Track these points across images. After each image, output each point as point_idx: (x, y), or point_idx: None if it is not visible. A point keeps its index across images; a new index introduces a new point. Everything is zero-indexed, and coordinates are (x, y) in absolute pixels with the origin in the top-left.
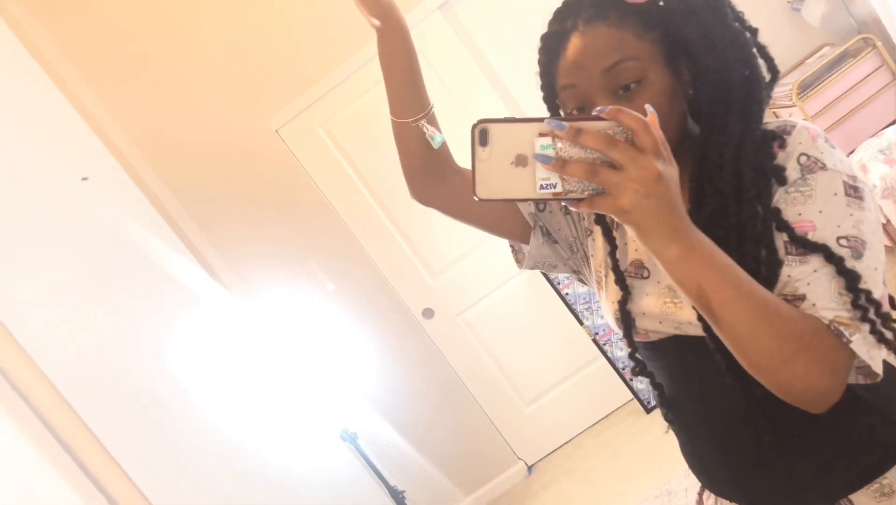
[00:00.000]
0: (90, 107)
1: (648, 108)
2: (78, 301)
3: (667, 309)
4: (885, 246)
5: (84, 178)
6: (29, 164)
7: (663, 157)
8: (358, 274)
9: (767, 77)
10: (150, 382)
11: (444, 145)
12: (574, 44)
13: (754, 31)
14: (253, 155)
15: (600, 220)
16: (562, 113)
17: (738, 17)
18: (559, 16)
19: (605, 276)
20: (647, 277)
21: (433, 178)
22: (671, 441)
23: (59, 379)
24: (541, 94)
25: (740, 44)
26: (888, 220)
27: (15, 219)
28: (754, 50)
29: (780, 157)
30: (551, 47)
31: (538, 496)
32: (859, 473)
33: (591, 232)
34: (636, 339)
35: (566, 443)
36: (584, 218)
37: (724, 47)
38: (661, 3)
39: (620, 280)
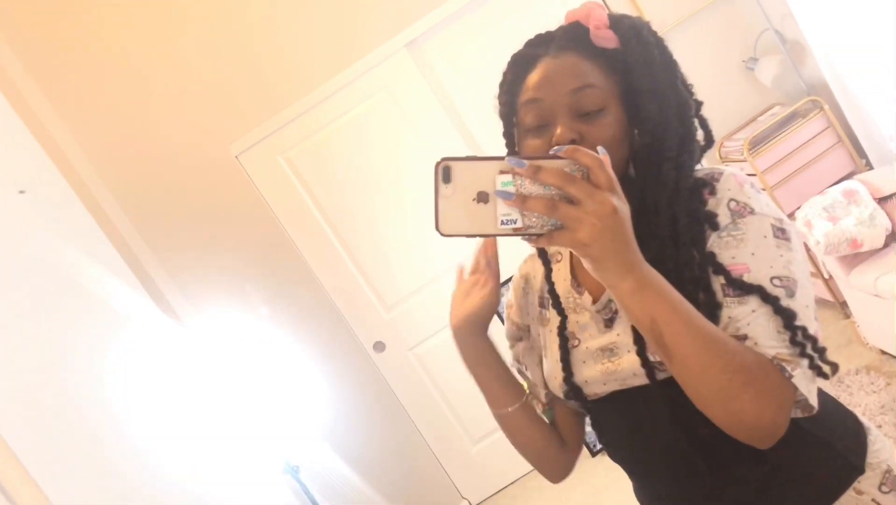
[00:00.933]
0: (42, 117)
1: (601, 149)
2: (5, 321)
3: (606, 369)
4: (827, 301)
5: (21, 192)
6: None
7: (617, 194)
8: (311, 304)
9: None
10: (83, 410)
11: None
12: (546, 63)
13: (699, 104)
14: (211, 179)
15: (541, 254)
16: (515, 133)
17: (687, 86)
18: (530, 44)
19: (548, 348)
20: (577, 346)
21: (566, 453)
22: (617, 485)
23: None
24: (498, 110)
25: (684, 106)
26: (830, 276)
27: None
28: (693, 118)
29: (711, 203)
30: (520, 66)
31: None
32: (810, 502)
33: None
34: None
35: (511, 483)
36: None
37: (668, 104)
38: (624, 55)
39: (562, 340)
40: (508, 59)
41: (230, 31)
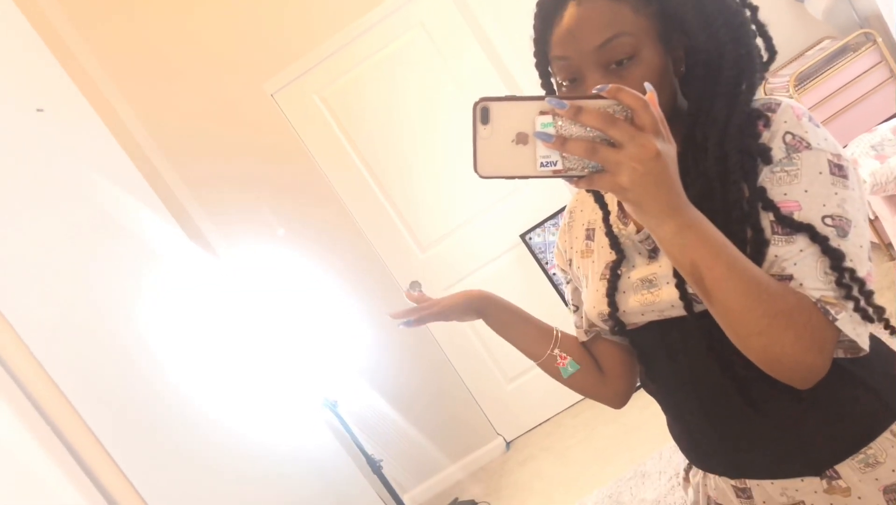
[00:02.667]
0: (71, 45)
1: (648, 86)
2: (39, 251)
3: (646, 300)
4: (873, 243)
5: (39, 110)
6: None
7: (662, 136)
8: (347, 243)
9: (765, 56)
10: (121, 345)
11: (585, 362)
12: (570, 13)
13: (754, 9)
14: (247, 117)
15: (598, 198)
16: (553, 82)
17: None
18: None
19: (589, 278)
20: (620, 277)
21: (606, 386)
22: (648, 424)
23: (26, 333)
24: (534, 60)
25: (737, 22)
26: (876, 216)
27: None
28: (752, 28)
29: (765, 137)
30: (546, 14)
31: (514, 472)
32: (844, 443)
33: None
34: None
35: (545, 421)
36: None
37: (718, 25)
38: None
39: (616, 247)
40: (535, 5)
41: None
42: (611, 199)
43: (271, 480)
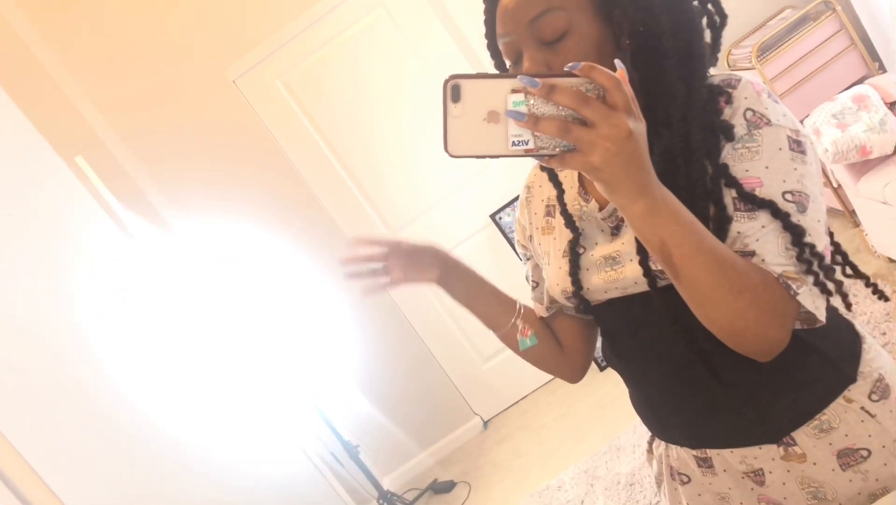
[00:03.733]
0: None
1: (618, 63)
2: None
3: (609, 278)
4: (837, 210)
5: None
6: None
7: (634, 115)
8: (315, 228)
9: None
10: (55, 343)
11: (544, 336)
12: None
13: None
14: (210, 105)
15: (552, 176)
16: (506, 61)
17: None
18: None
19: (550, 255)
20: (582, 254)
21: (565, 360)
22: (622, 399)
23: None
24: (486, 42)
25: None
26: (839, 185)
27: None
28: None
29: (727, 113)
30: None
31: (493, 451)
32: (800, 411)
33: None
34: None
35: (521, 399)
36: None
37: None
38: None
39: (572, 225)
40: None
41: None
42: (565, 177)
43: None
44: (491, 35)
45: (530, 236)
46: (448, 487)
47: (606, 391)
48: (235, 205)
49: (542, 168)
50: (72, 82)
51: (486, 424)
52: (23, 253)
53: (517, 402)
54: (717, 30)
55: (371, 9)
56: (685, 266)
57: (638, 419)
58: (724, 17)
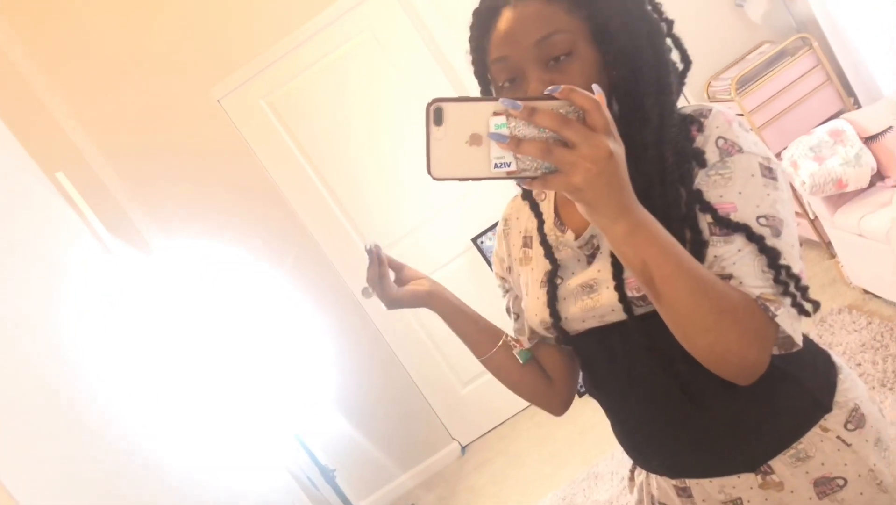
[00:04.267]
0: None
1: (596, 87)
2: None
3: (586, 306)
4: (813, 241)
5: None
6: None
7: (613, 136)
8: (297, 249)
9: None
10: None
11: (531, 358)
12: (506, 17)
13: (670, 23)
14: (194, 123)
15: (527, 195)
16: (492, 88)
17: (656, 7)
18: None
19: (529, 286)
20: (560, 284)
21: (553, 391)
22: (601, 425)
23: None
24: (472, 69)
25: (653, 31)
26: (816, 216)
27: None
28: (668, 41)
29: (699, 141)
30: (483, 21)
31: (471, 477)
32: (777, 439)
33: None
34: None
35: (500, 424)
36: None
37: (637, 32)
38: None
39: (550, 257)
40: (471, 15)
41: None
42: (545, 208)
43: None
44: (480, 62)
45: (508, 267)
46: None
47: (586, 417)
48: (217, 224)
49: (524, 196)
50: (54, 97)
51: (464, 449)
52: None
53: (496, 427)
54: (682, 73)
55: (357, 32)
56: (667, 287)
57: (617, 446)
58: (688, 62)
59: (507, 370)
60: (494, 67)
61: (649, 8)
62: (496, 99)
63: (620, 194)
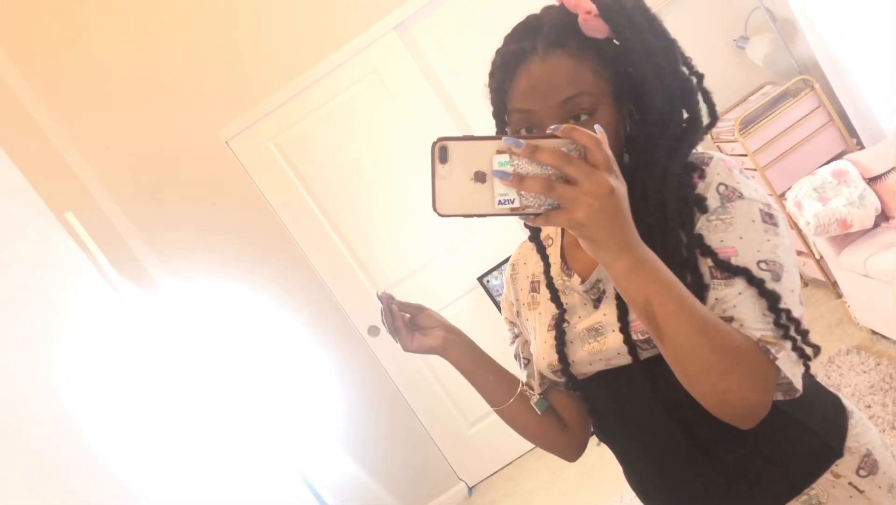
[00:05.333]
0: (21, 96)
1: (598, 127)
2: None
3: (593, 350)
4: (820, 281)
5: None
6: None
7: (615, 173)
8: (305, 289)
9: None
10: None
11: (548, 407)
12: (533, 70)
13: (700, 77)
14: (202, 163)
15: (534, 236)
16: (509, 132)
17: (687, 62)
18: (517, 34)
19: (537, 330)
20: (566, 327)
21: (568, 436)
22: (609, 467)
23: None
24: (490, 108)
25: (687, 89)
26: (821, 256)
27: None
28: (698, 99)
29: (701, 187)
30: (507, 65)
31: None
32: (787, 485)
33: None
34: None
35: (507, 465)
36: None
37: (672, 90)
38: (616, 42)
39: (556, 302)
40: (494, 54)
41: (218, 14)
42: (552, 253)
43: None
44: (500, 104)
45: (517, 312)
46: None
47: (594, 459)
48: (224, 264)
49: (531, 239)
50: (63, 137)
51: (471, 490)
52: (5, 304)
53: (503, 467)
54: (706, 128)
55: (364, 75)
56: (669, 325)
57: (626, 488)
58: (715, 118)
59: (523, 420)
60: (516, 116)
61: (681, 66)
62: (499, 137)
63: (623, 230)
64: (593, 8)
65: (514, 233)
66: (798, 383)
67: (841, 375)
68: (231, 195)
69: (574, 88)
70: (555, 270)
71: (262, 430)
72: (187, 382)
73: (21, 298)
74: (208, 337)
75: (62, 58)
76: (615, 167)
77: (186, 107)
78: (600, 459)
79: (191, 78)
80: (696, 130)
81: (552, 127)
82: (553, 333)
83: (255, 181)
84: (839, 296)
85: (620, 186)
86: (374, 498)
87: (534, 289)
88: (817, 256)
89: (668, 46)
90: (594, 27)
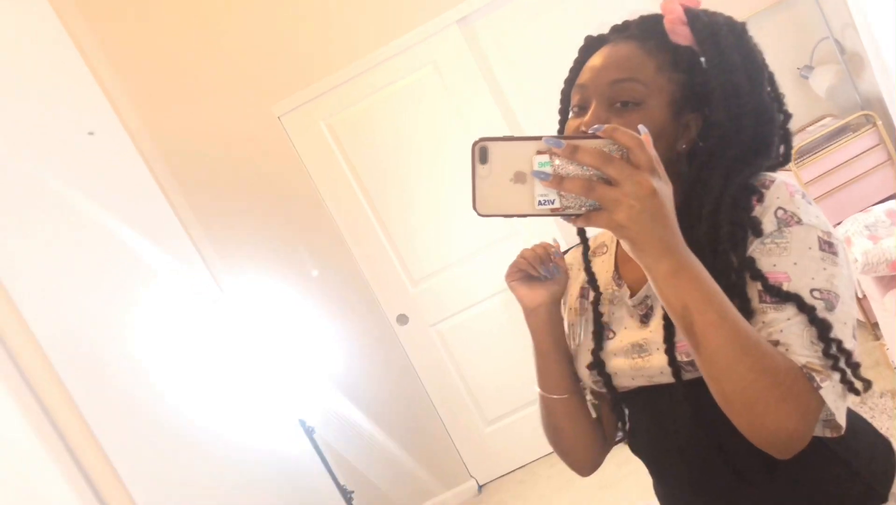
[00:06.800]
0: (97, 66)
1: (642, 128)
2: (70, 259)
3: (636, 365)
4: (859, 321)
5: (90, 133)
6: (37, 111)
7: (658, 174)
8: (339, 271)
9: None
10: (126, 352)
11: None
12: (603, 51)
13: (787, 116)
14: (252, 138)
15: (580, 232)
16: (570, 112)
17: (778, 96)
18: (613, 28)
19: (579, 337)
20: (612, 338)
21: (604, 448)
22: (624, 481)
23: (49, 346)
24: (544, 112)
25: (766, 118)
26: (865, 295)
27: (22, 167)
28: (774, 132)
29: (758, 210)
30: (588, 47)
31: None
32: None
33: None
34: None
35: (520, 468)
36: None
37: (745, 112)
38: (700, 58)
39: (597, 329)
40: (583, 39)
41: None
42: (602, 262)
43: (245, 485)
44: (570, 82)
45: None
46: None
47: (608, 473)
48: (264, 237)
49: (583, 251)
50: (129, 106)
51: (481, 487)
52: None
53: (515, 470)
54: (780, 163)
55: (421, 65)
56: (707, 335)
57: (638, 503)
58: (788, 160)
59: (566, 417)
60: (573, 91)
61: (765, 94)
62: (539, 138)
63: (664, 232)
64: (680, 15)
65: (554, 235)
66: (841, 419)
67: (872, 418)
68: (278, 171)
69: (628, 73)
70: (605, 278)
71: (288, 405)
72: (225, 348)
73: (114, 262)
74: (245, 313)
75: (124, 23)
76: (659, 168)
77: (243, 79)
78: (615, 473)
79: (251, 50)
80: (762, 157)
81: (594, 127)
82: (596, 342)
83: (302, 160)
84: (878, 338)
85: (664, 187)
86: (385, 485)
87: (583, 294)
88: (860, 295)
89: (755, 70)
90: (678, 32)
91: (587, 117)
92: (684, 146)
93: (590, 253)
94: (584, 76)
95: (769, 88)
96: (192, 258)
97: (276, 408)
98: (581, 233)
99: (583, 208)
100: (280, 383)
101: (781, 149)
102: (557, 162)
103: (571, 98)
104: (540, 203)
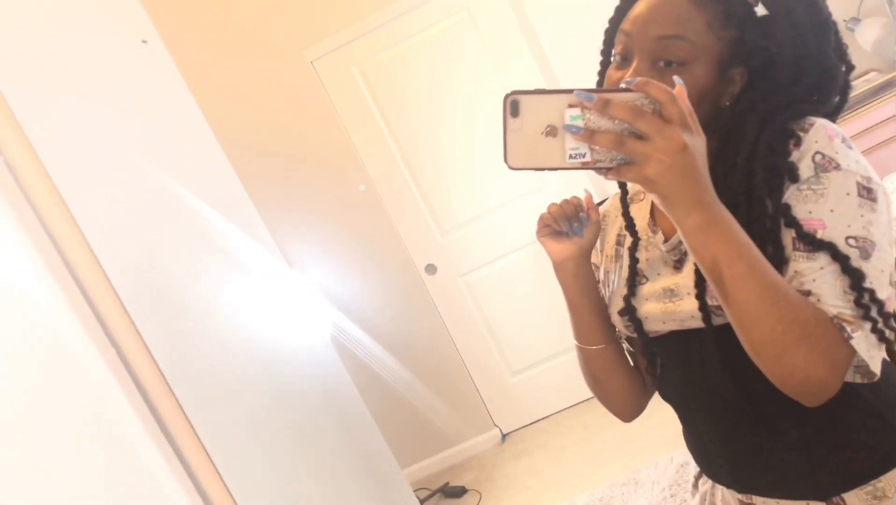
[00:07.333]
0: None
1: (676, 79)
2: (130, 168)
3: (667, 309)
4: None
5: (144, 41)
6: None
7: (690, 129)
8: (368, 218)
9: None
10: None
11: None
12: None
13: (851, 68)
14: (284, 82)
15: (623, 195)
16: (612, 58)
17: (842, 49)
18: None
19: (613, 283)
20: (644, 284)
21: (645, 394)
22: (648, 433)
23: (113, 274)
24: (606, 26)
25: (829, 75)
26: None
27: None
28: (837, 87)
29: (795, 155)
30: None
31: (508, 464)
32: (854, 473)
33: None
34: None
35: (543, 418)
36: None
37: (810, 71)
38: (756, 11)
39: (632, 278)
40: None
41: None
42: (639, 209)
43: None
44: (615, 22)
45: (595, 264)
46: (459, 492)
47: (634, 424)
48: (294, 180)
49: (622, 197)
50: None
51: (504, 437)
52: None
53: (539, 420)
54: (832, 112)
55: (455, 11)
56: (735, 287)
57: (661, 456)
58: (839, 110)
59: (606, 368)
60: (618, 36)
61: (830, 49)
62: (571, 91)
63: (695, 186)
64: None
65: (586, 186)
66: (876, 367)
67: None
68: (310, 117)
69: (675, 29)
70: (642, 225)
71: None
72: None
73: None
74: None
75: None
76: (692, 122)
77: (276, 23)
78: (640, 425)
79: None
80: (819, 106)
81: (626, 80)
82: (629, 286)
83: (334, 105)
84: None
85: (695, 141)
86: (409, 431)
87: (619, 242)
88: None
89: (822, 25)
90: None
91: (628, 75)
92: (727, 103)
93: (628, 198)
94: (631, 24)
95: (833, 38)
96: (235, 193)
97: (309, 331)
98: (622, 183)
99: (613, 162)
100: (315, 321)
101: (836, 99)
102: (589, 116)
103: (615, 43)
104: (571, 157)
